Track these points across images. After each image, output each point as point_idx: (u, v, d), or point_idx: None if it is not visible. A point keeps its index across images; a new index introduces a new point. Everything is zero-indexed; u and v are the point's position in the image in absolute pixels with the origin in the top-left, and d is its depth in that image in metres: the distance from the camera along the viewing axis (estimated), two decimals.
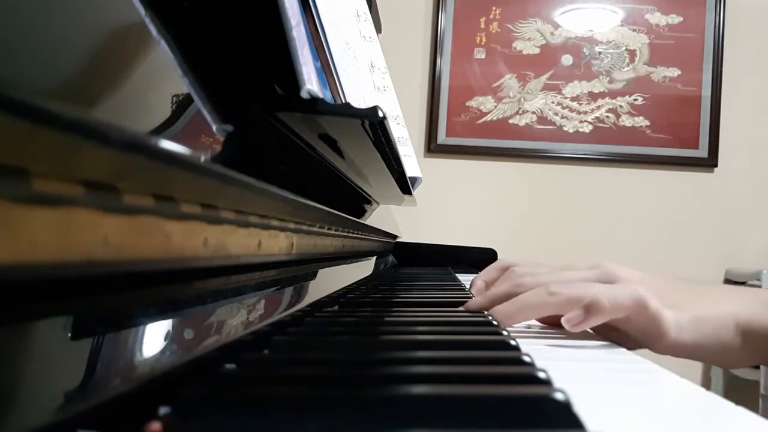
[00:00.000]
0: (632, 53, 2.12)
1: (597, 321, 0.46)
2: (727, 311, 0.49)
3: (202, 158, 0.25)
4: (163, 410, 0.21)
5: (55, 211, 0.16)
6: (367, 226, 0.75)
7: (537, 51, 2.13)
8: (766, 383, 1.77)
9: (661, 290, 0.50)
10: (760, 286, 1.82)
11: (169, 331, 0.24)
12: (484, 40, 2.13)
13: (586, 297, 0.46)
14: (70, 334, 0.18)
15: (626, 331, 0.49)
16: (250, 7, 0.38)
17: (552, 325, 0.53)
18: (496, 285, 0.58)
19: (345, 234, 0.64)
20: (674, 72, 2.11)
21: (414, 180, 0.89)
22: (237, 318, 0.30)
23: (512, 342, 0.35)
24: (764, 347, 0.48)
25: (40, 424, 0.15)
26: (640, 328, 0.48)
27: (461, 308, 0.54)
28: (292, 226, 0.41)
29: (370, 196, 0.82)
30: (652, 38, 2.12)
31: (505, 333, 0.39)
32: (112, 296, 0.21)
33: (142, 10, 0.24)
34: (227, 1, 0.37)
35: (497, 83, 2.13)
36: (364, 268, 0.85)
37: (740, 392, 1.89)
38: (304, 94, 0.35)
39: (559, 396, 0.21)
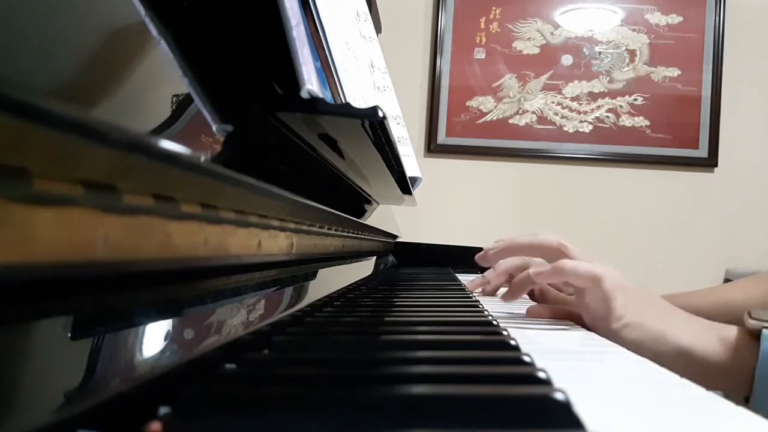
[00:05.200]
0: (632, 53, 2.12)
1: (557, 278, 0.59)
2: (674, 331, 0.53)
3: (202, 158, 0.25)
4: (163, 410, 0.21)
5: (55, 211, 0.16)
6: (367, 226, 0.75)
7: (537, 51, 2.13)
8: None
9: (630, 294, 0.55)
10: None
11: (169, 331, 0.24)
12: (484, 40, 2.13)
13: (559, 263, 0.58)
14: (70, 334, 0.18)
15: (583, 309, 0.57)
16: (250, 7, 0.38)
17: (560, 318, 0.60)
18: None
19: (345, 234, 0.64)
20: (674, 72, 2.11)
21: (414, 180, 0.89)
22: (237, 318, 0.30)
23: (512, 342, 0.35)
24: (701, 374, 0.52)
25: (40, 424, 0.15)
26: (592, 304, 0.55)
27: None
28: (292, 226, 0.41)
29: (370, 196, 0.82)
30: (652, 38, 2.12)
31: (504, 333, 0.39)
32: (112, 296, 0.21)
33: (142, 10, 0.24)
34: (227, 1, 0.37)
35: (497, 83, 2.13)
36: (364, 268, 0.85)
37: None
38: (304, 94, 0.35)
39: (559, 396, 0.21)
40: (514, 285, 0.65)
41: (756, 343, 0.50)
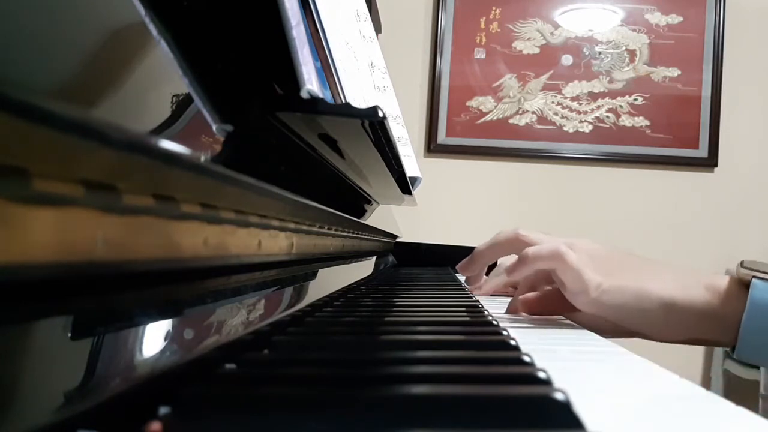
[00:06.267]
0: (632, 53, 2.12)
1: (526, 270, 0.57)
2: (655, 285, 0.52)
3: (202, 158, 0.25)
4: (163, 410, 0.21)
5: (55, 211, 0.16)
6: (367, 226, 0.75)
7: (537, 51, 2.13)
8: (766, 383, 1.77)
9: (602, 259, 0.54)
10: None
11: (169, 331, 0.24)
12: (484, 40, 2.13)
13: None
14: (70, 334, 0.18)
15: (563, 289, 0.55)
16: (250, 7, 0.38)
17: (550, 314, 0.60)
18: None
19: (345, 234, 0.64)
20: (674, 72, 2.11)
21: (414, 180, 0.89)
22: (237, 318, 0.30)
23: (512, 342, 0.35)
24: (687, 323, 0.52)
25: (40, 424, 0.15)
26: (567, 281, 0.54)
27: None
28: (292, 226, 0.41)
29: (370, 196, 0.82)
30: (652, 38, 2.12)
31: (504, 333, 0.39)
32: (112, 296, 0.21)
33: (142, 10, 0.24)
34: (227, 1, 0.37)
35: (497, 83, 2.13)
36: (364, 267, 0.85)
37: (740, 392, 1.89)
38: (304, 94, 0.35)
39: (559, 396, 0.21)
40: (489, 278, 0.66)
41: (745, 292, 0.50)
